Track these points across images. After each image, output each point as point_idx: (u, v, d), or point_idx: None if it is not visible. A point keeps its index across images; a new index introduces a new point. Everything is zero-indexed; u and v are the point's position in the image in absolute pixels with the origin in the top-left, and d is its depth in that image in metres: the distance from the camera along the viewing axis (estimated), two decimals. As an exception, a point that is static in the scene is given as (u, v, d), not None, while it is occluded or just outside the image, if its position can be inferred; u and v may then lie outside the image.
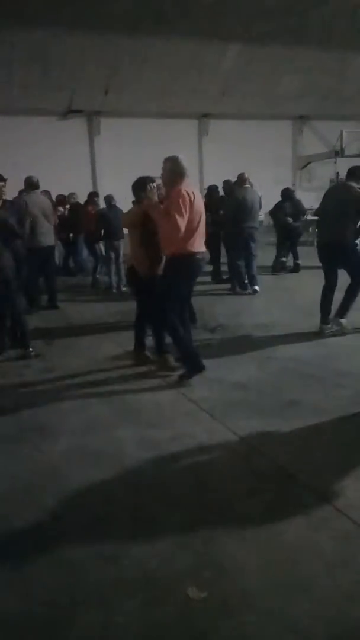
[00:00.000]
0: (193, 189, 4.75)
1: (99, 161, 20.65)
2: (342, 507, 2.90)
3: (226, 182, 10.21)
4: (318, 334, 6.17)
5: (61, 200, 11.51)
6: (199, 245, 4.73)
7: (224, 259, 9.73)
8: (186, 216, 4.52)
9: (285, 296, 8.71)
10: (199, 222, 4.67)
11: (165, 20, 15.10)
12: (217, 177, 13.06)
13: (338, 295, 6.27)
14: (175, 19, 15.10)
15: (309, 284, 8.22)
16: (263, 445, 3.64)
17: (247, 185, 9.03)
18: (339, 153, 19.40)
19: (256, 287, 8.83)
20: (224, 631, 2.16)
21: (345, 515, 2.83)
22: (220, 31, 16.24)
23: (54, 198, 10.76)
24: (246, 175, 9.06)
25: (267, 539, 2.70)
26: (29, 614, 2.29)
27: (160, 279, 4.94)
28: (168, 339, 5.13)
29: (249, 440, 3.73)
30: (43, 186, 7.87)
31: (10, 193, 9.80)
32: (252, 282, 8.92)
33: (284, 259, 10.92)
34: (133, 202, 5.50)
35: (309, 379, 4.88)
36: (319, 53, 18.21)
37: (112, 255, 9.37)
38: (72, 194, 11.46)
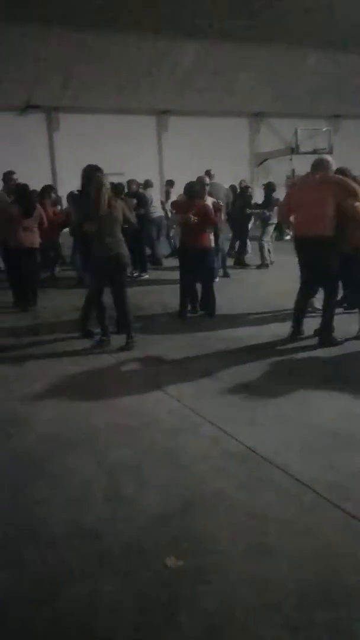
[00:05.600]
0: None
1: (58, 157, 20.53)
2: (307, 481, 3.10)
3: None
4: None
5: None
6: None
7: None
8: None
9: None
10: None
11: (124, 16, 15.14)
12: (176, 172, 13.27)
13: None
14: (135, 15, 15.14)
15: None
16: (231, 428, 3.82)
17: (214, 181, 9.29)
18: (294, 150, 19.82)
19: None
20: (201, 596, 2.32)
21: (309, 488, 3.04)
22: (180, 28, 16.37)
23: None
24: (212, 172, 9.34)
25: (238, 512, 2.87)
26: (15, 592, 2.39)
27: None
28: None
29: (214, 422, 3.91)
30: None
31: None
32: None
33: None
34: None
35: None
36: (275, 50, 18.54)
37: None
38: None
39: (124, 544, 2.64)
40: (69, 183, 14.18)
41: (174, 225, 9.86)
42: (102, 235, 5.56)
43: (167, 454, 3.51)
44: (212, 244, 7.25)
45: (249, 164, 24.42)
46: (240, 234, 11.49)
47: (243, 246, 11.52)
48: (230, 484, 3.15)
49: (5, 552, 2.64)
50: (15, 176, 7.83)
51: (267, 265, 10.82)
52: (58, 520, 2.85)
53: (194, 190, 7.02)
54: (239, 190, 11.94)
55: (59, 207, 10.77)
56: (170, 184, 12.94)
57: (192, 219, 6.73)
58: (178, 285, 7.23)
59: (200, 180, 7.43)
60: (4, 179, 7.89)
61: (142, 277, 9.98)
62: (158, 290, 8.63)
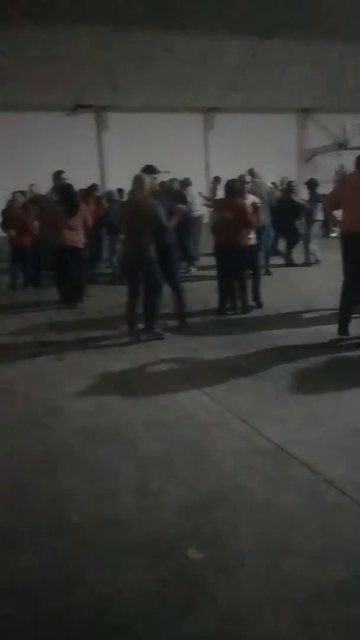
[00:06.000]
0: None
1: (106, 156, 20.84)
2: (333, 480, 3.12)
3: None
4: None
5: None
6: None
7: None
8: None
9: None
10: None
11: (171, 16, 15.20)
12: (222, 170, 13.25)
13: None
14: (181, 14, 15.20)
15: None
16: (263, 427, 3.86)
17: (256, 179, 9.28)
18: (343, 145, 19.47)
19: None
20: (220, 586, 2.39)
21: (335, 487, 3.05)
22: (225, 25, 16.32)
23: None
24: (255, 170, 9.33)
25: (262, 508, 2.92)
26: (42, 575, 2.52)
27: None
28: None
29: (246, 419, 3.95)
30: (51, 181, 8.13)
31: (19, 188, 10.13)
32: None
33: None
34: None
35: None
36: (322, 45, 18.25)
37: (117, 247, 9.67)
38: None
39: (147, 534, 2.74)
40: (117, 181, 14.45)
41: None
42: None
43: (196, 449, 3.59)
44: (251, 242, 7.26)
45: (297, 160, 24.11)
46: (287, 232, 11.33)
47: (292, 244, 11.34)
48: (256, 480, 3.20)
49: (35, 537, 2.77)
50: (64, 176, 8.01)
51: (312, 263, 10.70)
52: (86, 509, 2.97)
53: (233, 188, 7.05)
54: (279, 187, 11.79)
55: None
56: (217, 180, 12.93)
57: (228, 216, 6.76)
58: (213, 282, 7.28)
59: (240, 178, 7.44)
60: (53, 179, 8.09)
61: (189, 272, 10.10)
62: (199, 287, 8.67)
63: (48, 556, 2.62)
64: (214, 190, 12.45)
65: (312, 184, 10.88)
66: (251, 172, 9.22)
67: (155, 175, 6.40)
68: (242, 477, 3.22)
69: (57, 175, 7.99)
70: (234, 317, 7.02)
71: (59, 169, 8.27)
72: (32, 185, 10.38)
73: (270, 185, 10.84)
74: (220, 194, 12.21)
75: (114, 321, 6.90)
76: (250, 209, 7.05)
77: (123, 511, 2.94)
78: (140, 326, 6.18)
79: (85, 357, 5.60)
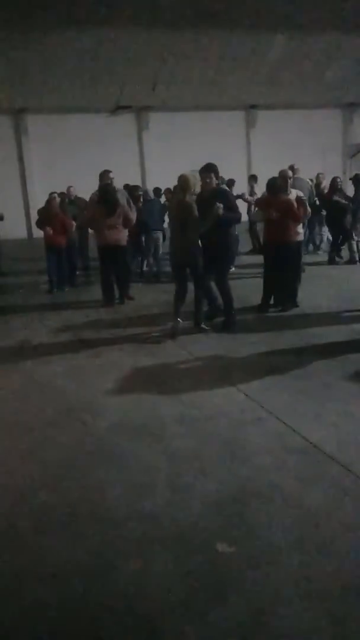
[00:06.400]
0: None
1: (147, 155, 21.00)
2: (366, 478, 3.09)
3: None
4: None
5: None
6: None
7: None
8: None
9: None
10: None
11: (210, 13, 15.19)
12: (265, 167, 13.12)
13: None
14: (220, 10, 15.17)
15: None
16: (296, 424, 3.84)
17: (297, 176, 9.23)
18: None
19: None
20: (249, 580, 2.41)
21: (368, 485, 3.02)
22: (266, 21, 16.21)
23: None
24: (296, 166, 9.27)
25: (293, 505, 2.91)
26: (76, 563, 2.59)
27: None
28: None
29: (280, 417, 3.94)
30: (94, 182, 8.20)
31: (62, 188, 10.33)
32: None
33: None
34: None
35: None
36: (368, 39, 17.92)
37: (152, 246, 9.73)
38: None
39: (178, 527, 2.78)
40: (158, 181, 14.55)
41: (258, 222, 9.82)
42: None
43: (229, 446, 3.60)
44: (300, 237, 7.22)
45: (342, 155, 23.74)
46: (334, 228, 11.11)
47: (337, 241, 11.13)
48: (289, 477, 3.19)
49: (70, 526, 2.85)
50: (111, 174, 8.06)
51: (356, 261, 10.51)
52: (120, 502, 3.03)
53: (277, 185, 7.00)
54: (314, 184, 11.53)
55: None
56: (253, 179, 12.86)
57: (275, 214, 6.73)
58: (256, 280, 7.25)
59: (282, 174, 7.36)
60: (100, 178, 8.15)
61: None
62: (240, 285, 8.64)
63: (81, 545, 2.69)
64: (251, 188, 12.37)
65: (357, 180, 10.65)
66: (291, 168, 9.13)
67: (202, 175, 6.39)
68: (275, 475, 3.22)
69: (103, 174, 8.05)
70: (272, 315, 6.98)
71: (99, 169, 8.34)
72: (69, 187, 10.55)
73: (309, 181, 10.68)
74: (258, 192, 12.18)
75: (151, 319, 6.98)
76: (294, 205, 7.00)
77: (155, 504, 2.98)
78: (183, 322, 6.25)
79: (122, 354, 5.67)
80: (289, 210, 6.83)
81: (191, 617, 2.23)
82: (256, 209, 9.06)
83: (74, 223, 9.16)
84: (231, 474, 3.26)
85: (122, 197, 8.09)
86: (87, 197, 9.17)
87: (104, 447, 3.68)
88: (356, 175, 10.95)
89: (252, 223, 11.82)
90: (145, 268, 10.26)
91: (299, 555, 2.55)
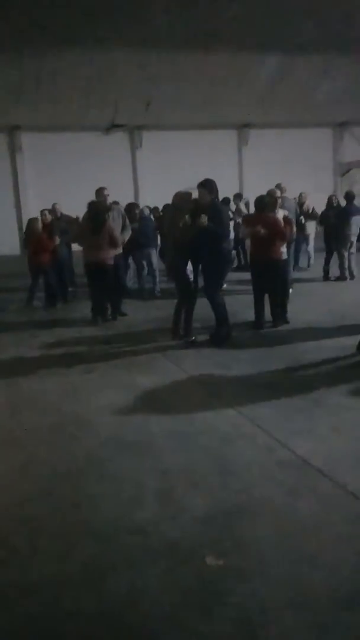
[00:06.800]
0: None
1: (140, 173, 21.19)
2: (355, 492, 3.12)
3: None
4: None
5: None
6: None
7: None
8: None
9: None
10: None
11: (202, 33, 15.47)
12: (256, 186, 13.27)
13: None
14: (214, 32, 15.45)
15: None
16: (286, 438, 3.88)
17: (285, 195, 9.29)
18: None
19: None
20: (238, 594, 2.43)
21: (357, 499, 3.06)
22: (258, 42, 16.51)
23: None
24: (282, 185, 9.33)
25: (283, 518, 2.95)
26: (66, 573, 2.61)
27: None
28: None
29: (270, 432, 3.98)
30: (88, 198, 8.23)
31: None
32: None
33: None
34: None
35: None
36: (357, 58, 18.27)
37: (144, 263, 9.83)
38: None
39: (167, 541, 2.80)
40: (151, 198, 14.70)
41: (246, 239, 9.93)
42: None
43: (219, 460, 3.64)
44: (284, 256, 7.31)
45: (333, 174, 24.04)
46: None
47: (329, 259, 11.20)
48: (278, 491, 3.23)
49: (59, 540, 2.87)
50: (106, 192, 8.08)
51: (346, 278, 10.62)
52: (110, 515, 3.06)
53: (264, 203, 7.12)
54: (297, 202, 11.58)
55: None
56: (238, 197, 13.04)
57: (262, 231, 6.83)
58: (245, 297, 7.32)
59: (270, 193, 7.50)
60: (96, 195, 8.16)
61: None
62: (229, 301, 8.71)
63: (72, 558, 2.71)
64: (238, 207, 12.56)
65: (348, 197, 10.80)
66: (279, 187, 9.25)
67: (191, 192, 6.55)
68: (265, 489, 3.26)
69: (99, 191, 8.07)
70: (263, 331, 7.04)
71: (93, 186, 8.41)
72: (54, 204, 10.54)
73: (294, 200, 10.82)
74: (244, 209, 12.31)
75: (143, 336, 7.03)
76: (281, 223, 7.11)
77: (144, 519, 3.01)
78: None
79: (114, 370, 5.71)
80: (276, 228, 6.93)
81: (181, 627, 2.25)
82: (242, 225, 9.17)
83: (57, 240, 9.19)
84: (221, 487, 3.29)
85: (118, 214, 8.12)
86: (79, 214, 9.29)
87: (95, 463, 3.70)
88: (347, 192, 11.12)
89: (238, 240, 11.80)
90: (133, 285, 10.27)
91: (287, 567, 2.58)
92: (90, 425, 4.31)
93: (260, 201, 7.20)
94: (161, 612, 2.34)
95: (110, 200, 8.24)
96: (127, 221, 8.32)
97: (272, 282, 7.08)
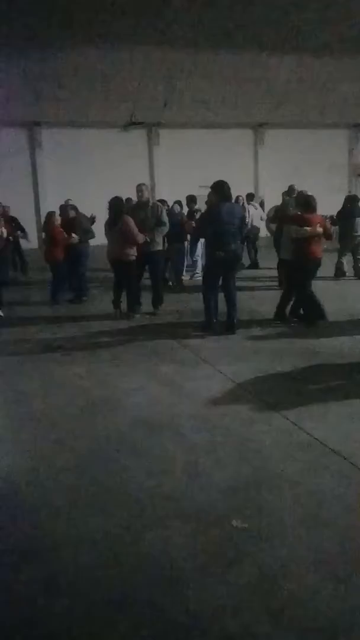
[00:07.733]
0: None
1: (157, 170, 21.47)
2: (367, 468, 3.42)
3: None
4: None
5: None
6: None
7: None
8: None
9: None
10: None
11: (221, 34, 15.72)
12: (272, 185, 13.51)
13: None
14: (231, 32, 15.69)
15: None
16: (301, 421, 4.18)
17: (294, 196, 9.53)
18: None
19: None
20: (261, 552, 2.73)
21: (368, 475, 3.35)
22: (275, 42, 16.73)
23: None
24: (295, 186, 9.58)
25: (299, 489, 3.24)
26: (106, 533, 2.91)
27: None
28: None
29: (289, 417, 4.28)
30: (106, 195, 8.40)
31: (76, 203, 10.71)
32: None
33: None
34: None
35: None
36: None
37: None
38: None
39: (196, 506, 3.10)
40: (167, 195, 14.97)
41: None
42: None
43: (240, 440, 3.93)
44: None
45: (347, 174, 24.23)
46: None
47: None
48: (295, 467, 3.52)
49: (99, 503, 3.18)
50: (143, 187, 8.08)
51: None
52: (142, 484, 3.36)
53: (314, 204, 7.24)
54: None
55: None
56: (250, 197, 12.88)
57: (320, 231, 7.06)
58: (263, 293, 7.59)
59: (304, 193, 7.61)
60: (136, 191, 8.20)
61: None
62: (244, 298, 8.98)
63: (112, 520, 3.02)
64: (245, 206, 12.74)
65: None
66: (291, 188, 9.48)
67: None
68: (283, 465, 3.55)
69: (137, 187, 8.08)
70: (281, 326, 7.28)
71: (110, 182, 8.53)
72: (67, 200, 10.71)
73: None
74: (255, 210, 12.42)
75: (164, 327, 7.33)
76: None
77: (174, 488, 3.31)
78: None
79: (138, 359, 6.01)
80: (325, 228, 7.24)
81: (210, 577, 2.55)
82: (269, 223, 9.45)
83: (73, 237, 9.26)
84: (243, 463, 3.59)
85: (153, 212, 8.07)
86: (95, 210, 9.61)
87: (126, 439, 4.01)
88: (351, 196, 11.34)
89: (247, 238, 11.83)
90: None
91: (305, 531, 2.87)
92: (119, 407, 4.62)
93: (309, 202, 7.27)
94: (193, 565, 2.64)
95: (124, 195, 8.31)
96: (165, 217, 8.23)
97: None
